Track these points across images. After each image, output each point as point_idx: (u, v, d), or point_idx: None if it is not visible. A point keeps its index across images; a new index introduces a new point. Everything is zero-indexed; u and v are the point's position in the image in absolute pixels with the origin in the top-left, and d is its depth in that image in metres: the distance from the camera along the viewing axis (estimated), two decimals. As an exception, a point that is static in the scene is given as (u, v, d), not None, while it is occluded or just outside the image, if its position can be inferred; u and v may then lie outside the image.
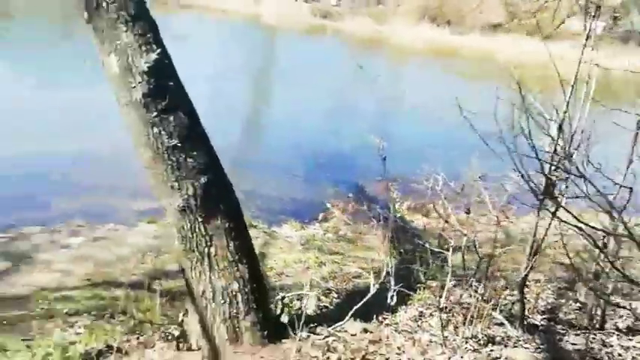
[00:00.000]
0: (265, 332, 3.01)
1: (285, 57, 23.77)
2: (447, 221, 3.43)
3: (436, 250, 3.54)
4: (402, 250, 4.25)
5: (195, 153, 3.01)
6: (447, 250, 3.07)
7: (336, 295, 3.85)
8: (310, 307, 3.26)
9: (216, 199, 3.05)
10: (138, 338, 3.26)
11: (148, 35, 2.96)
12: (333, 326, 3.10)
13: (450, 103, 3.03)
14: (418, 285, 3.95)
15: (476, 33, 30.37)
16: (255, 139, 11.77)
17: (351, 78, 20.17)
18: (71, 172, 7.78)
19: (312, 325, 3.07)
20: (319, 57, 25.20)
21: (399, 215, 5.49)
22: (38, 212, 6.55)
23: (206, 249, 3.00)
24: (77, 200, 6.97)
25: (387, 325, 3.37)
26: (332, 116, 14.04)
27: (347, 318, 3.06)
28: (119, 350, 2.93)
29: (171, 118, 2.97)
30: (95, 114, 10.95)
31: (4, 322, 3.55)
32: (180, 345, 3.07)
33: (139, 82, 2.92)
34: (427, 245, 3.77)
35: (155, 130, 2.94)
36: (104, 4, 2.79)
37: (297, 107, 14.42)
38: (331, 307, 3.63)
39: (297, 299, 3.49)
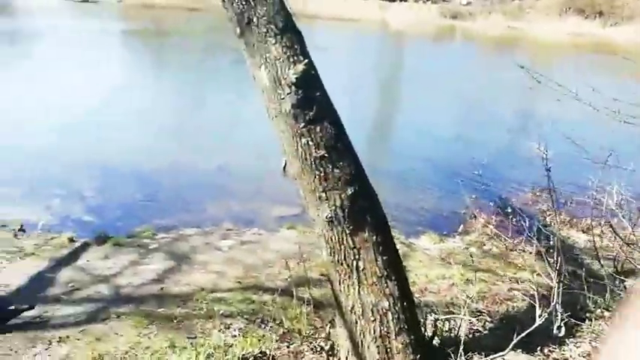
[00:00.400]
0: (418, 356, 2.93)
1: (414, 62, 23.45)
2: (628, 243, 3.05)
3: (611, 274, 3.16)
4: (565, 273, 3.87)
5: (341, 163, 3.04)
6: (627, 274, 2.73)
7: (488, 319, 3.63)
8: (462, 330, 3.11)
9: (363, 211, 3.06)
10: (288, 347, 3.39)
11: (296, 47, 3.07)
12: (492, 356, 2.91)
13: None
14: (587, 314, 3.55)
15: (637, 24, 27.12)
16: (386, 147, 11.78)
17: (484, 81, 19.29)
18: (220, 180, 8.45)
19: (468, 354, 2.91)
20: (450, 60, 24.49)
21: (553, 230, 5.05)
22: (194, 216, 7.20)
23: (354, 262, 3.02)
24: (226, 206, 7.52)
25: (555, 360, 3.07)
26: (466, 122, 13.53)
27: (509, 348, 2.83)
28: (273, 358, 3.05)
29: (318, 129, 3.03)
30: (238, 127, 11.88)
31: (173, 319, 3.91)
32: (330, 359, 3.12)
33: (288, 94, 3.04)
34: (600, 268, 3.39)
35: (303, 140, 3.03)
36: (255, 19, 2.94)
37: (428, 114, 14.14)
38: (484, 332, 3.44)
39: (446, 319, 3.36)
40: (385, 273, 2.99)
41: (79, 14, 31.50)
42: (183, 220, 7.09)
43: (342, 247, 3.03)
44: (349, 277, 3.02)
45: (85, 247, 5.66)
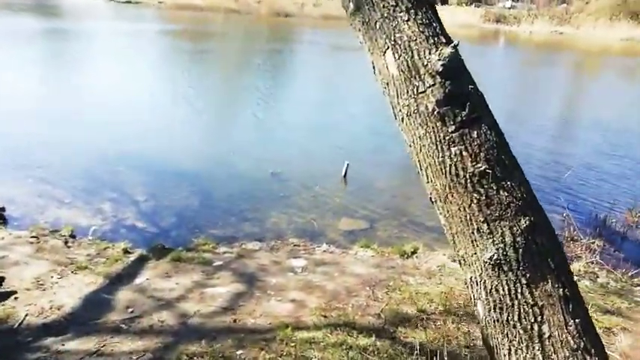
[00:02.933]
0: None
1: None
2: None
3: None
4: None
5: (509, 183, 2.16)
6: None
7: None
8: None
9: (542, 252, 2.17)
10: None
11: (435, 25, 2.24)
12: None
13: None
14: None
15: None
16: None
17: (532, 87, 18.13)
18: (276, 187, 7.66)
19: None
20: (494, 65, 23.34)
21: None
22: (253, 226, 6.41)
23: (535, 325, 2.14)
24: (286, 216, 6.72)
25: None
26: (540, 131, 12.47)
27: None
28: None
29: (475, 134, 2.15)
30: (290, 132, 11.11)
31: (260, 367, 3.10)
32: None
33: (431, 86, 2.18)
34: None
35: (454, 149, 2.15)
36: (379, -11, 2.12)
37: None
38: None
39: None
40: (581, 344, 2.10)
41: (122, 15, 31.36)
42: (242, 231, 6.31)
43: (515, 302, 2.15)
44: (527, 346, 2.14)
45: (142, 261, 4.91)
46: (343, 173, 8.01)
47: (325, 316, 3.88)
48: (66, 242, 5.31)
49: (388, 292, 4.37)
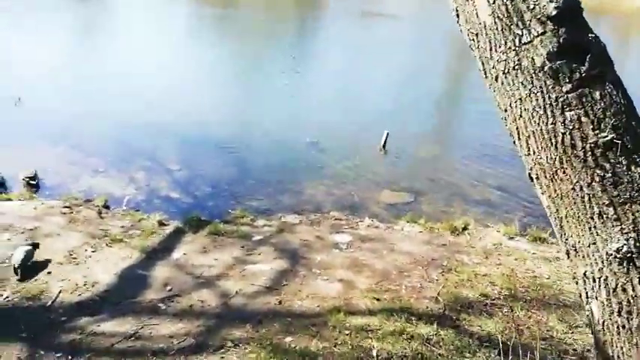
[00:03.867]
0: None
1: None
2: None
3: None
4: None
5: None
6: None
7: None
8: None
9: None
10: None
11: None
12: None
13: None
14: None
15: None
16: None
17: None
18: (312, 157, 7.23)
19: None
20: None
21: None
22: (291, 198, 6.04)
23: (670, 334, 1.69)
24: (324, 188, 6.32)
25: None
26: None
27: None
28: None
29: (598, 94, 1.66)
30: (324, 100, 10.57)
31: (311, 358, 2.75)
32: None
33: (540, 35, 1.67)
34: None
35: (569, 114, 1.65)
36: None
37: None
38: None
39: None
40: None
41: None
42: (280, 202, 5.95)
43: (649, 304, 1.70)
44: (661, 359, 1.71)
45: (178, 234, 4.60)
46: (382, 143, 7.53)
47: (378, 299, 3.50)
48: (99, 213, 5.03)
49: (443, 273, 3.96)
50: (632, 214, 1.69)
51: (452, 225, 4.95)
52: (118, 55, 13.14)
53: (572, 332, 3.20)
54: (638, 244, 1.69)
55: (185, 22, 19.80)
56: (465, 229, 4.95)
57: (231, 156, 7.13)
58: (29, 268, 3.68)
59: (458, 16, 1.92)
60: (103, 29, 16.59)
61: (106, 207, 5.29)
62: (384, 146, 7.52)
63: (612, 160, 1.67)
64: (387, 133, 7.51)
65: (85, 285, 3.59)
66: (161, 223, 4.84)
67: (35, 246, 3.88)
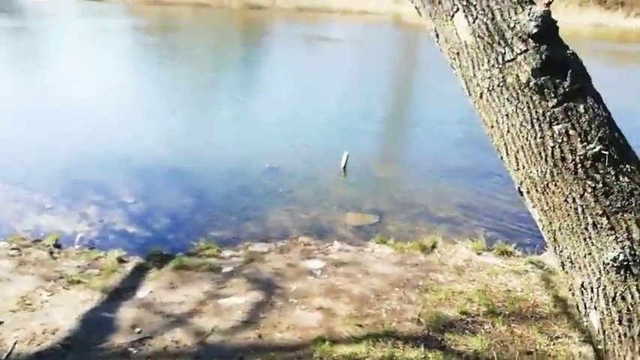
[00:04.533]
0: None
1: (432, 55, 22.10)
2: None
3: None
4: None
5: (628, 167, 1.74)
6: None
7: None
8: None
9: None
10: None
11: None
12: None
13: None
14: None
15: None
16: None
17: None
18: (272, 182, 7.15)
19: None
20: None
21: None
22: (256, 226, 5.90)
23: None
24: (288, 213, 6.23)
25: None
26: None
27: None
28: None
29: (582, 108, 1.72)
30: (282, 123, 10.53)
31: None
32: None
33: (523, 52, 1.73)
34: None
35: (557, 128, 1.70)
36: None
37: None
38: None
39: None
40: None
41: (88, 12, 30.03)
42: (244, 231, 5.79)
43: (647, 315, 1.74)
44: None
45: (141, 271, 4.35)
46: (343, 164, 7.55)
47: (360, 325, 3.42)
48: (51, 253, 4.70)
49: (421, 293, 3.95)
50: (625, 223, 1.74)
51: (421, 244, 4.98)
52: (58, 85, 12.60)
53: (554, 344, 3.25)
54: (633, 252, 1.74)
55: (126, 51, 19.32)
56: (433, 247, 5.00)
57: (187, 185, 6.91)
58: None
59: (437, 36, 1.95)
60: (40, 60, 15.88)
61: (58, 246, 4.95)
62: (344, 168, 7.55)
63: (602, 171, 1.72)
64: (347, 155, 7.55)
65: (43, 333, 3.30)
66: (121, 260, 4.58)
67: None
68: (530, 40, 1.72)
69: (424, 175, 7.71)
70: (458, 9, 1.82)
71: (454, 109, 11.65)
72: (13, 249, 4.64)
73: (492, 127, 1.90)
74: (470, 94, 1.92)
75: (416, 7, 2.01)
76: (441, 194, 6.89)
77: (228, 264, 4.51)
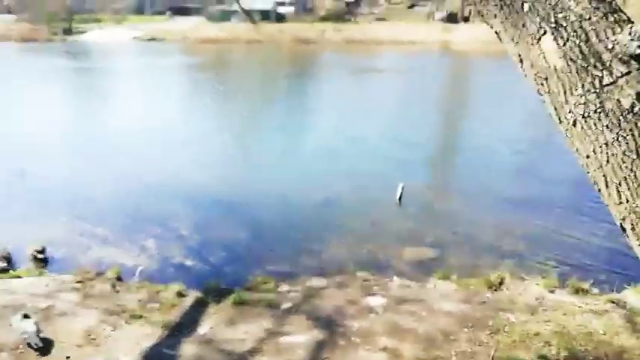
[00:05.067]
0: None
1: (481, 81, 21.66)
2: None
3: None
4: None
5: None
6: None
7: None
8: None
9: None
10: None
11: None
12: None
13: None
14: None
15: None
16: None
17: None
18: (327, 215, 7.07)
19: None
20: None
21: None
22: (311, 259, 5.80)
23: None
24: (345, 246, 6.10)
25: None
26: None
27: None
28: None
29: None
30: (335, 155, 10.50)
31: None
32: None
33: (624, 75, 1.56)
34: None
35: None
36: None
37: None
38: None
39: None
40: None
41: (147, 51, 31.75)
42: (300, 264, 5.70)
43: None
44: None
45: (200, 305, 4.33)
46: (398, 196, 7.39)
47: (428, 368, 3.21)
48: (113, 286, 4.77)
49: (492, 334, 3.69)
50: None
51: (487, 280, 4.71)
52: (116, 120, 13.22)
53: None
54: None
55: (181, 87, 20.16)
56: (501, 283, 4.72)
57: (241, 218, 6.94)
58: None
59: (521, 61, 1.83)
60: (100, 98, 16.80)
61: (119, 279, 5.03)
62: (399, 199, 7.38)
63: None
64: (403, 187, 7.39)
65: (107, 370, 3.30)
66: (180, 294, 4.58)
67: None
68: (632, 61, 1.58)
69: (484, 206, 7.41)
70: (545, 32, 1.69)
71: (510, 139, 11.29)
72: (77, 282, 4.75)
73: (588, 157, 1.73)
74: (561, 122, 1.77)
75: (496, 32, 1.90)
76: (503, 227, 6.57)
77: (287, 300, 4.42)
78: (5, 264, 5.36)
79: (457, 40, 31.89)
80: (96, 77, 21.19)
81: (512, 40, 1.88)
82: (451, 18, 39.05)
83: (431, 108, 15.85)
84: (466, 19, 36.25)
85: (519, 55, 1.88)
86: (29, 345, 3.47)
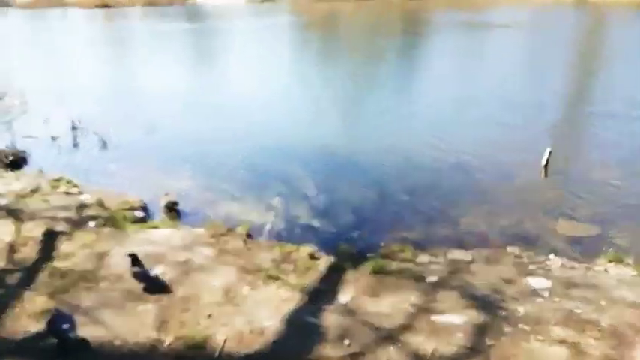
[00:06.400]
0: None
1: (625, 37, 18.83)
2: None
3: None
4: None
5: None
6: None
7: None
8: None
9: None
10: None
11: None
12: None
13: None
14: None
15: None
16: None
17: None
18: (462, 180, 6.43)
19: None
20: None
21: None
22: (446, 228, 5.26)
23: None
24: (485, 216, 5.47)
25: None
26: None
27: None
28: None
29: None
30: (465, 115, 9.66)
31: None
32: None
33: None
34: None
35: None
36: None
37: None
38: None
39: None
40: None
41: (259, 11, 32.11)
42: (435, 233, 5.21)
43: None
44: None
45: (336, 271, 4.04)
46: (544, 162, 6.52)
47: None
48: (245, 243, 4.66)
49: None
50: None
51: (678, 267, 3.88)
52: (231, 81, 13.40)
53: None
54: None
55: (292, 46, 20.04)
56: (694, 272, 3.86)
57: (367, 180, 6.55)
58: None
59: None
60: (215, 57, 17.18)
61: (249, 235, 4.92)
62: (545, 166, 6.51)
63: None
64: (550, 151, 6.49)
65: (250, 333, 3.13)
66: (312, 257, 4.34)
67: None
68: None
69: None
70: None
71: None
72: (211, 236, 4.71)
73: None
74: None
75: None
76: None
77: (431, 272, 3.97)
78: (143, 214, 5.52)
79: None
80: (210, 37, 21.81)
81: None
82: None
83: (566, 68, 14.11)
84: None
85: None
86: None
